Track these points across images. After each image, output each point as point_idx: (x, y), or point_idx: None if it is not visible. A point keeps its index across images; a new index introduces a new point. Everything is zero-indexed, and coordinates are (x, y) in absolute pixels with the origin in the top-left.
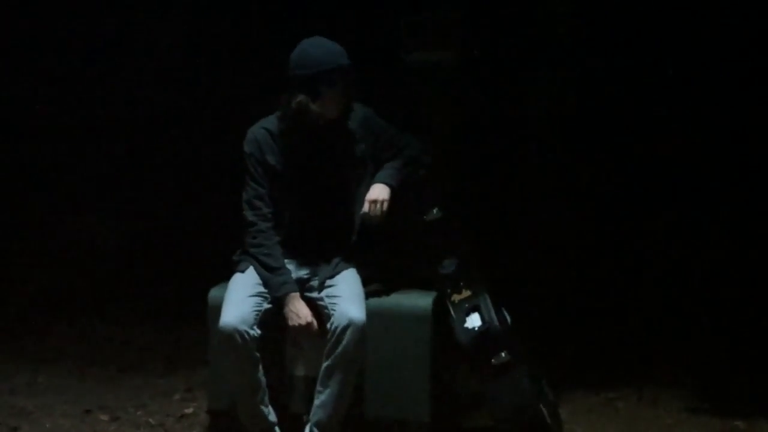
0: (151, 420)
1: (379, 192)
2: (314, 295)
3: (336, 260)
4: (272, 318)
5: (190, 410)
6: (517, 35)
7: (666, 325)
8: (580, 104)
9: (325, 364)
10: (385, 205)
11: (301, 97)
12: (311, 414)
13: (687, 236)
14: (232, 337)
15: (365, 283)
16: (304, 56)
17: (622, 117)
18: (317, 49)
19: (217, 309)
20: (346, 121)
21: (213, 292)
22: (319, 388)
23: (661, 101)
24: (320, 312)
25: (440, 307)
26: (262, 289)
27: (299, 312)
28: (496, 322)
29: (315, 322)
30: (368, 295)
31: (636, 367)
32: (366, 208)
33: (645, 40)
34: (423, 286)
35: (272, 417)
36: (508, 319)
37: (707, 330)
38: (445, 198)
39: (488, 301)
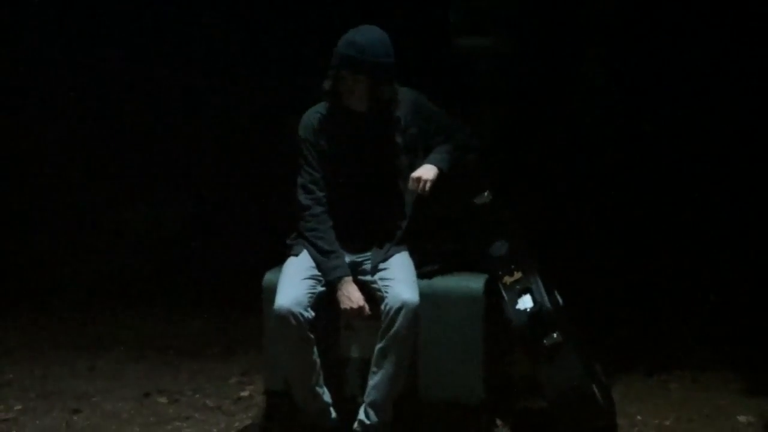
0: (208, 402)
1: (425, 171)
2: (367, 278)
3: (388, 244)
4: (326, 300)
5: (246, 393)
6: (565, 16)
7: (721, 307)
8: (629, 89)
9: (378, 346)
10: (428, 185)
11: (331, 75)
12: (365, 395)
13: (747, 220)
14: (286, 318)
15: (417, 265)
16: (343, 37)
17: (675, 107)
18: (356, 34)
19: (272, 292)
20: (391, 110)
21: (268, 276)
22: (373, 369)
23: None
24: (373, 294)
25: (492, 289)
26: (316, 272)
27: (351, 296)
28: (548, 304)
29: (367, 306)
30: (420, 277)
31: (690, 349)
32: (410, 183)
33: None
34: (474, 268)
35: (327, 398)
36: (560, 300)
37: (763, 312)
38: (495, 181)
39: (539, 282)
